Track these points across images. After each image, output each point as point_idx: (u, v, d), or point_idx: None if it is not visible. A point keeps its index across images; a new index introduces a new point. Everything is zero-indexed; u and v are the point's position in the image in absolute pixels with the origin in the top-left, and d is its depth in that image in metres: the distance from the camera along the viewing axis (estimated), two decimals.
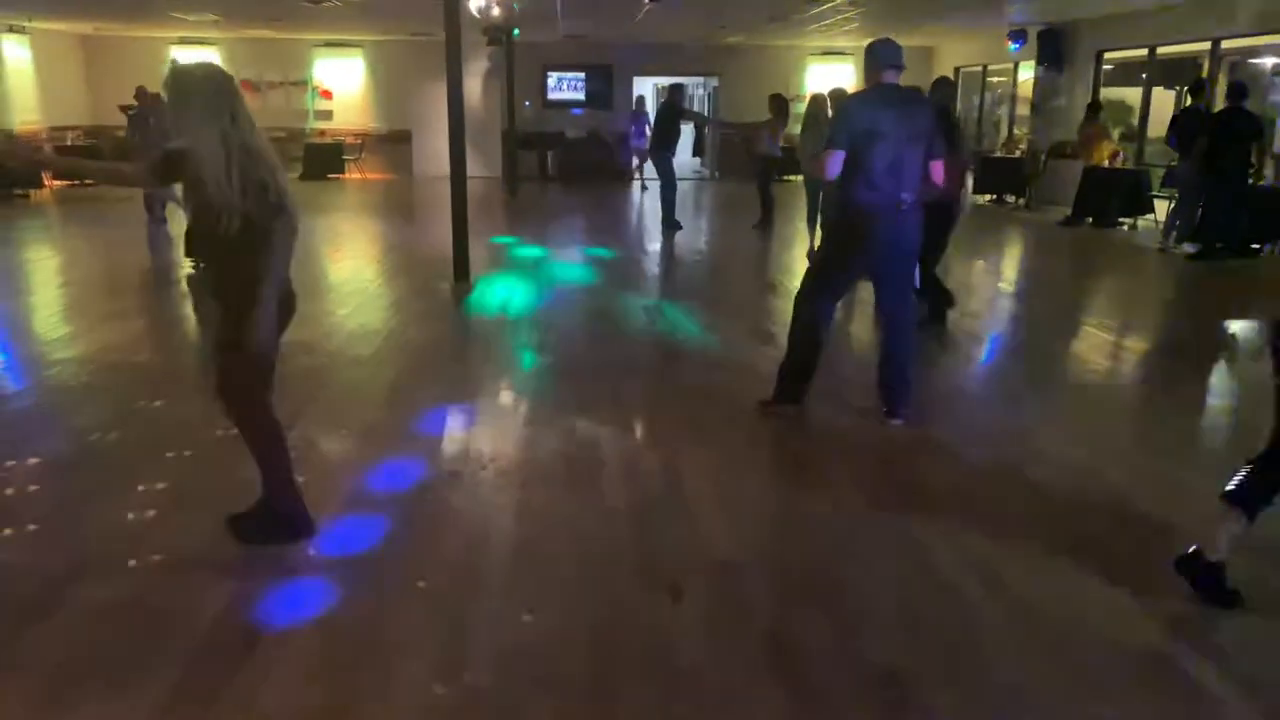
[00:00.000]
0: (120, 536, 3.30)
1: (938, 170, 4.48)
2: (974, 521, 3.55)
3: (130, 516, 3.48)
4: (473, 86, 17.23)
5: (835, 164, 4.31)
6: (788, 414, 4.67)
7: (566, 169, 18.76)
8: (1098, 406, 5.18)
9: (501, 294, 7.76)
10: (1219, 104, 10.36)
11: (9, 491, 3.70)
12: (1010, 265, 10.39)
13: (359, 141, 18.38)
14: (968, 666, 2.64)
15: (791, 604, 2.98)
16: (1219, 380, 5.94)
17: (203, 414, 4.04)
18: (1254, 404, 5.37)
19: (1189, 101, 10.56)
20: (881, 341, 4.73)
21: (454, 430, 4.50)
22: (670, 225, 11.69)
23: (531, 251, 10.06)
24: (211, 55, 18.19)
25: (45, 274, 9.03)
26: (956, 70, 17.44)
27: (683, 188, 12.84)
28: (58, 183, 14.84)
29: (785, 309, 5.44)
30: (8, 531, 3.36)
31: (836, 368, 5.64)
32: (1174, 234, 10.41)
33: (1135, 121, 13.91)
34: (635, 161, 17.85)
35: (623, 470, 4.03)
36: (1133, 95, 14.28)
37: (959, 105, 16.35)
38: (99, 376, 5.30)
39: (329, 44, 18.80)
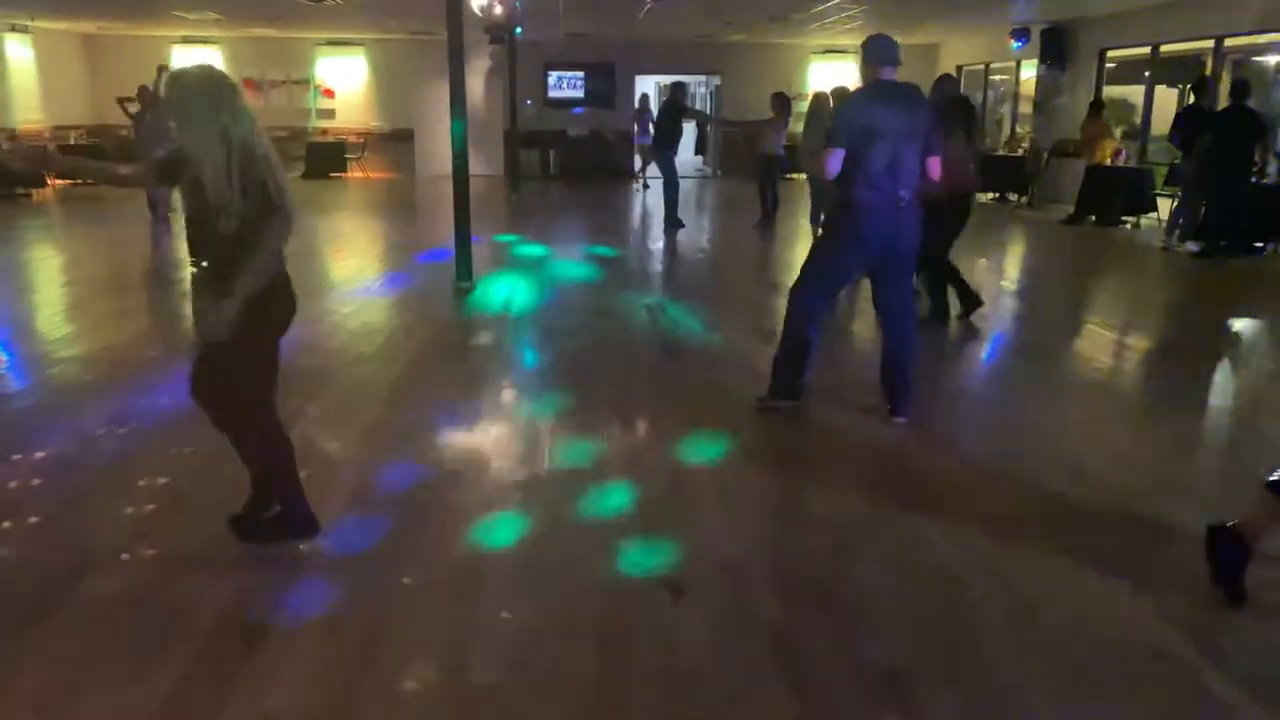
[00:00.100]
0: (123, 533, 3.31)
1: (934, 167, 4.48)
2: (976, 520, 3.55)
3: (130, 511, 3.50)
4: (475, 85, 17.24)
5: (835, 162, 4.30)
6: (784, 410, 4.67)
7: (569, 167, 18.76)
8: (1100, 405, 5.18)
9: (504, 292, 7.76)
10: (1222, 102, 10.34)
11: (12, 485, 3.73)
12: (1013, 264, 10.38)
13: (361, 140, 18.39)
14: (969, 666, 2.64)
15: (793, 603, 2.98)
16: (1221, 379, 5.93)
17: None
18: (1256, 403, 5.38)
19: (1192, 100, 10.53)
20: (883, 340, 4.73)
21: (456, 429, 4.51)
22: (672, 224, 11.69)
23: (534, 250, 10.07)
24: (214, 54, 18.24)
25: (48, 273, 9.05)
26: (959, 68, 17.41)
27: (685, 186, 12.84)
28: (60, 182, 14.87)
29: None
30: (7, 524, 3.39)
31: (839, 366, 5.65)
32: (1177, 232, 10.40)
33: (1138, 120, 13.89)
34: (639, 161, 17.84)
35: (625, 468, 4.03)
36: (1136, 93, 14.28)
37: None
38: (102, 375, 5.31)
39: (331, 43, 18.81)
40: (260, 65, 18.43)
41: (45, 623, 2.76)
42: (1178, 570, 3.17)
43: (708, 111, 19.78)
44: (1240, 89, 9.65)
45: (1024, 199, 14.53)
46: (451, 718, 2.40)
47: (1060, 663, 2.64)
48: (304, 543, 3.22)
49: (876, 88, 4.40)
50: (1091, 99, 13.68)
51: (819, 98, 10.20)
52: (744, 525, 3.57)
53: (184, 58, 17.99)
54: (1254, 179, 9.93)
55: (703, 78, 20.57)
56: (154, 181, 3.09)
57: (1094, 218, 12.32)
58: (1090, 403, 5.23)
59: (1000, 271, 9.70)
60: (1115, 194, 12.08)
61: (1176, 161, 11.08)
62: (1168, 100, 13.25)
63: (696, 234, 11.85)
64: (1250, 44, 12.10)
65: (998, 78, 17.79)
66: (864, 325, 6.80)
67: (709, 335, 6.52)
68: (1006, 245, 11.58)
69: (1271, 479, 2.87)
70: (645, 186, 17.04)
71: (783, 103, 11.73)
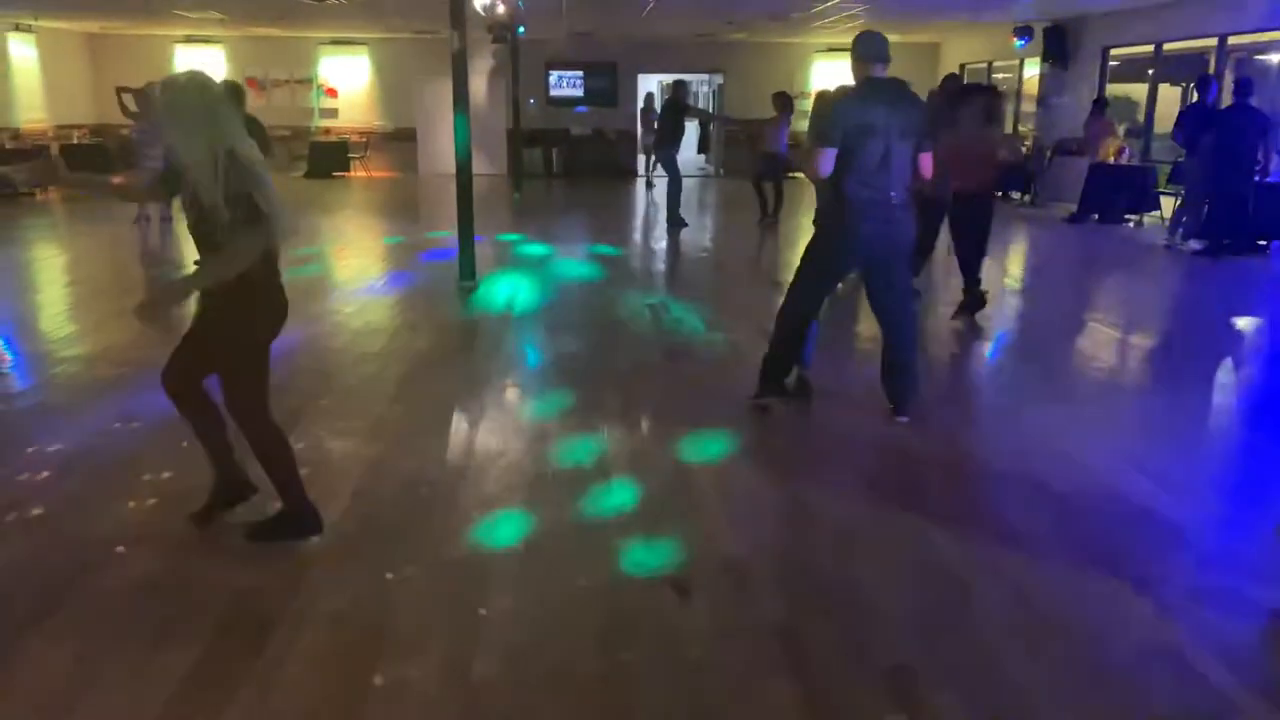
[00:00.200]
0: (127, 528, 3.32)
1: (926, 164, 4.48)
2: (979, 519, 3.55)
3: (132, 505, 3.52)
4: (478, 84, 17.24)
5: (827, 161, 4.26)
6: (773, 407, 4.68)
7: (571, 166, 18.76)
8: (1104, 403, 5.17)
9: (507, 291, 7.76)
10: (1226, 100, 10.33)
11: (21, 478, 3.74)
12: (1016, 262, 10.36)
13: (364, 139, 18.40)
14: (972, 664, 2.63)
15: (797, 601, 2.98)
16: (1225, 377, 5.92)
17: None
18: (1259, 403, 5.37)
19: (1195, 98, 10.52)
20: (883, 339, 4.73)
21: (460, 427, 4.51)
22: (675, 222, 11.69)
23: (537, 249, 10.07)
24: (217, 54, 18.27)
25: (52, 272, 9.06)
26: (962, 67, 17.39)
27: (688, 185, 12.83)
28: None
29: None
30: (11, 517, 3.40)
31: (841, 365, 5.65)
32: (1180, 231, 10.38)
33: (1141, 118, 13.87)
34: (643, 161, 17.83)
35: (628, 466, 4.03)
36: (1139, 91, 14.25)
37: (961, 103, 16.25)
38: (104, 374, 5.32)
39: (334, 42, 18.81)
40: (263, 65, 18.44)
41: (48, 620, 2.77)
42: (1181, 569, 3.17)
43: (710, 110, 19.76)
44: (1244, 87, 9.64)
45: (1027, 197, 14.51)
46: (454, 715, 2.40)
47: (1063, 662, 2.64)
48: (307, 540, 3.23)
49: (868, 85, 4.36)
50: (1095, 97, 13.66)
51: (823, 97, 10.17)
52: (747, 524, 3.56)
53: (187, 57, 18.02)
54: (1257, 177, 9.92)
55: (705, 76, 20.55)
56: (163, 194, 3.18)
57: (1097, 216, 12.30)
58: (1094, 402, 5.22)
59: (1004, 269, 9.68)
60: (1119, 192, 12.07)
61: (1180, 159, 11.06)
62: (1171, 98, 13.23)
63: (699, 233, 11.84)
64: (1254, 42, 12.08)
65: (1000, 76, 17.75)
66: (867, 324, 6.78)
67: (711, 334, 6.51)
68: (1010, 243, 11.55)
69: None
70: (650, 185, 17.04)
71: (784, 101, 11.72)
